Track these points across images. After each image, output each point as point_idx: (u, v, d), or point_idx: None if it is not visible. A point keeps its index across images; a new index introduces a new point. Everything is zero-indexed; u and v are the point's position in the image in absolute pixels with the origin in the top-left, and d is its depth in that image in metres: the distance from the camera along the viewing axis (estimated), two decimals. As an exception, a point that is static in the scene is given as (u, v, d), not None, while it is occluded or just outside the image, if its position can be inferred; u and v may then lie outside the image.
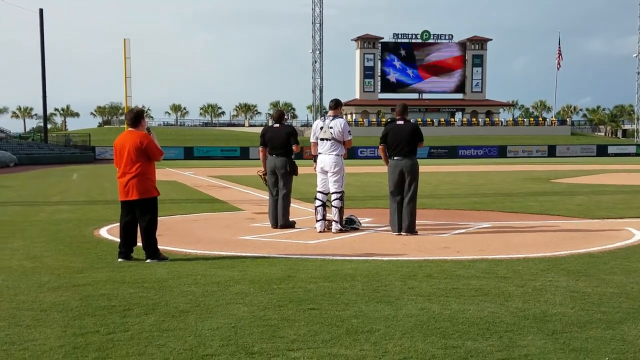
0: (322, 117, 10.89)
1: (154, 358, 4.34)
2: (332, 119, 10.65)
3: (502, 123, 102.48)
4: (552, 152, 73.48)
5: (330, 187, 10.67)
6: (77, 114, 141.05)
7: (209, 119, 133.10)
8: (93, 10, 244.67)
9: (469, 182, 24.55)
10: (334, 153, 10.60)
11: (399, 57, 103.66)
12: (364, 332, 4.88)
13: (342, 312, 5.45)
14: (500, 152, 72.86)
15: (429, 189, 20.71)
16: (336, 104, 10.92)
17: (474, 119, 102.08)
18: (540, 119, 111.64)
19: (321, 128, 10.68)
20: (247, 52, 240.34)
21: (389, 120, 10.80)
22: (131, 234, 8.09)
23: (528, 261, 7.81)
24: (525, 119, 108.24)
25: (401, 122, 10.39)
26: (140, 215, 8.03)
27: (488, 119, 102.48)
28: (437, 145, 74.99)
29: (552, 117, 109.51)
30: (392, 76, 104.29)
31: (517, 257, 8.08)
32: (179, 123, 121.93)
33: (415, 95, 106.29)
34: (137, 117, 8.13)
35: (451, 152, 71.70)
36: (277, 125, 11.26)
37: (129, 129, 8.12)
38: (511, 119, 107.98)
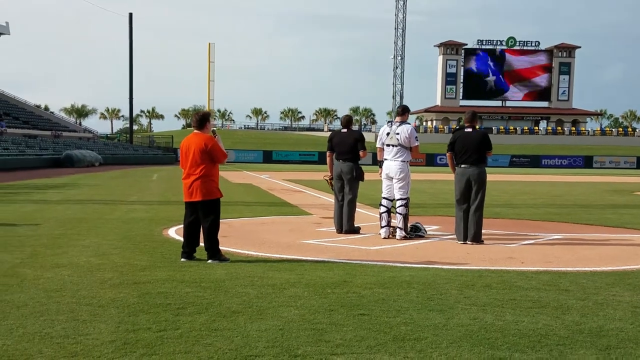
0: (389, 123, 10.87)
1: (199, 356, 4.44)
2: (399, 125, 10.61)
3: (589, 132, 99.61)
4: (641, 163, 70.86)
5: (395, 193, 10.63)
6: (162, 116, 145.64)
7: (289, 123, 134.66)
8: (179, 14, 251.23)
9: (547, 193, 23.98)
10: (400, 159, 10.55)
11: (482, 64, 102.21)
12: (410, 339, 4.86)
13: (392, 319, 5.44)
14: (586, 162, 70.77)
15: (504, 198, 20.38)
16: (403, 110, 10.91)
17: (559, 128, 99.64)
18: (630, 129, 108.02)
19: (387, 134, 10.66)
20: (328, 57, 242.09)
21: (457, 127, 10.69)
22: (194, 234, 8.28)
23: (594, 275, 7.60)
24: (613, 129, 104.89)
25: (469, 130, 10.26)
26: (203, 216, 8.20)
27: (574, 128, 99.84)
28: (520, 154, 73.56)
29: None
30: (476, 83, 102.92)
31: (583, 270, 7.88)
32: (259, 127, 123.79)
33: (498, 103, 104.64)
34: (202, 119, 8.31)
35: (534, 162, 70.15)
36: (345, 130, 11.30)
37: (195, 131, 8.31)
38: (599, 129, 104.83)
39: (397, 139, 10.53)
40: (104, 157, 53.36)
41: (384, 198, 10.78)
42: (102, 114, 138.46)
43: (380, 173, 10.86)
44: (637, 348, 4.75)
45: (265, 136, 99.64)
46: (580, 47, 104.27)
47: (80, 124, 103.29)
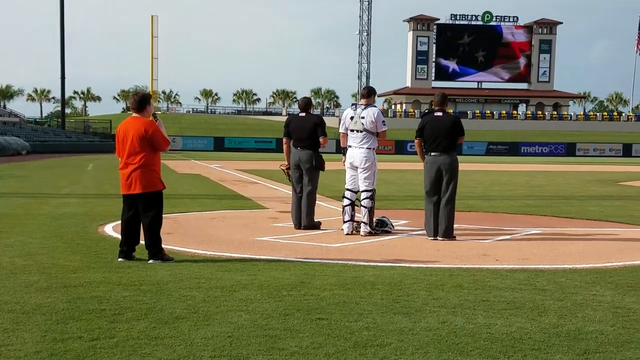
0: (353, 106, 10.89)
1: (137, 368, 4.41)
2: (364, 108, 10.64)
3: (571, 117, 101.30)
4: (627, 151, 72.24)
5: (360, 184, 10.66)
6: (98, 98, 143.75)
7: (243, 106, 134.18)
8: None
9: (526, 183, 24.36)
10: (365, 146, 10.57)
11: (456, 41, 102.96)
12: (373, 345, 4.90)
13: (353, 323, 5.47)
14: (569, 150, 72.03)
15: (479, 190, 20.63)
16: (369, 92, 10.94)
17: (540, 112, 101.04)
18: (615, 113, 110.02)
19: (351, 118, 10.67)
20: (286, 32, 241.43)
21: (425, 111, 10.77)
22: (133, 231, 8.20)
23: (574, 272, 7.77)
24: (598, 113, 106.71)
25: (439, 114, 10.33)
26: (143, 210, 8.12)
27: (555, 113, 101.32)
28: (497, 140, 74.59)
29: (629, 111, 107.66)
30: (448, 62, 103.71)
31: (563, 268, 8.05)
32: (209, 110, 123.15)
33: (474, 85, 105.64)
34: (142, 101, 8.21)
35: (512, 149, 71.14)
36: (303, 114, 11.29)
37: (134, 114, 8.21)
38: (582, 113, 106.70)
39: (362, 124, 10.55)
40: (33, 144, 52.58)
41: (348, 190, 10.80)
42: (29, 95, 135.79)
43: (344, 162, 10.88)
44: (617, 352, 4.84)
45: (216, 121, 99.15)
46: (562, 22, 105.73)
47: (4, 106, 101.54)
